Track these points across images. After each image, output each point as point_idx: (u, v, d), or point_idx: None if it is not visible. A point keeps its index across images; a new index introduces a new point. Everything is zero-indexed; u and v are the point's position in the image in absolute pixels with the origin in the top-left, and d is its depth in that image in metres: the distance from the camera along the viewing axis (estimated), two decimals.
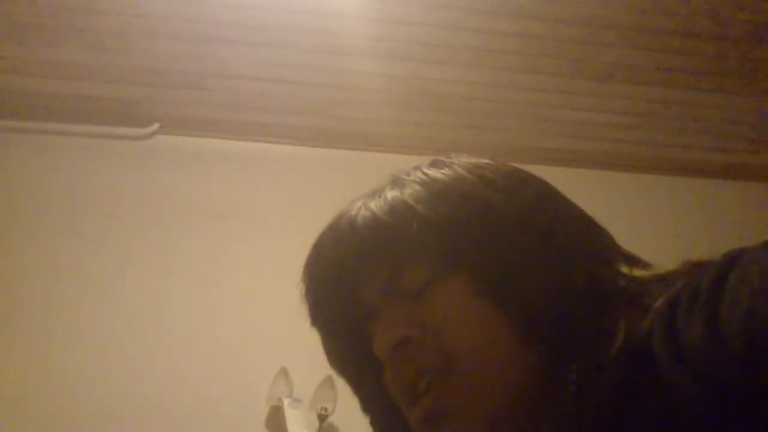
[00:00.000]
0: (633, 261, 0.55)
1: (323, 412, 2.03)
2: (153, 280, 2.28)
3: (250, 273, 2.32)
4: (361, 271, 0.56)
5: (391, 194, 0.56)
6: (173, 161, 2.47)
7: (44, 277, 2.25)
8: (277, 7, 2.02)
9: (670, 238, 2.24)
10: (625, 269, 0.54)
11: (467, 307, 0.51)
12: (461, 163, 0.58)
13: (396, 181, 0.57)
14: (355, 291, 0.57)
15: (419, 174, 0.57)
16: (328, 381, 2.02)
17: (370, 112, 2.44)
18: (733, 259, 0.41)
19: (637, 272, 0.53)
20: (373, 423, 0.62)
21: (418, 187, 0.55)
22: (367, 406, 0.62)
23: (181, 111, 2.44)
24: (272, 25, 2.08)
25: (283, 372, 2.10)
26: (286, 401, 2.04)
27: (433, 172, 0.57)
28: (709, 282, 0.41)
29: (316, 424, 2.03)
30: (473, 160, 0.58)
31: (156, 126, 2.49)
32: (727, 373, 0.38)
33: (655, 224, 2.46)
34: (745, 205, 2.61)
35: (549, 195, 0.57)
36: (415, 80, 2.29)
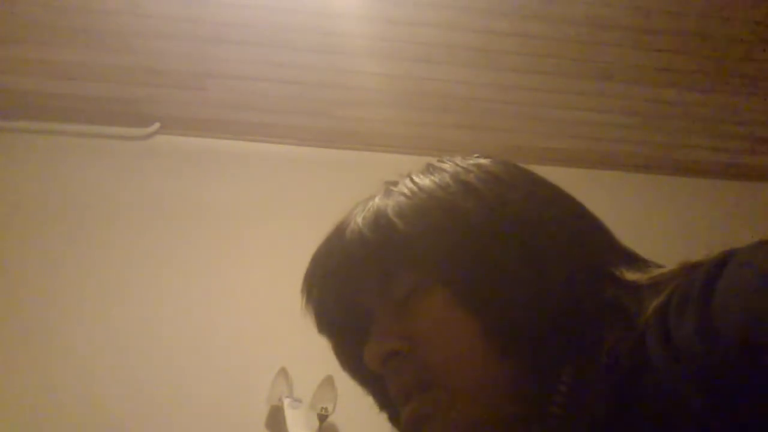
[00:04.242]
0: (632, 261, 0.54)
1: (323, 412, 2.03)
2: (153, 279, 2.28)
3: (250, 273, 2.32)
4: (354, 282, 0.58)
5: (377, 206, 0.57)
6: (173, 161, 2.47)
7: (44, 276, 2.25)
8: (277, 7, 2.02)
9: (670, 238, 2.24)
10: (619, 273, 0.53)
11: (445, 320, 0.53)
12: (450, 168, 0.58)
13: (386, 191, 0.59)
14: (354, 298, 0.60)
15: (408, 183, 0.58)
16: (328, 381, 2.02)
17: (370, 112, 2.44)
18: (724, 260, 0.41)
19: (633, 275, 0.52)
20: (390, 419, 0.63)
21: (402, 199, 0.56)
22: (382, 404, 0.64)
23: (181, 111, 2.44)
24: (272, 25, 2.08)
25: (283, 372, 2.10)
26: (286, 401, 2.04)
27: (421, 180, 0.57)
28: (701, 283, 0.41)
29: (316, 424, 2.03)
30: (464, 163, 0.58)
31: (156, 126, 2.49)
32: (721, 373, 0.37)
33: (655, 224, 2.46)
34: (745, 205, 2.61)
35: (539, 199, 0.56)
36: (415, 80, 2.29)
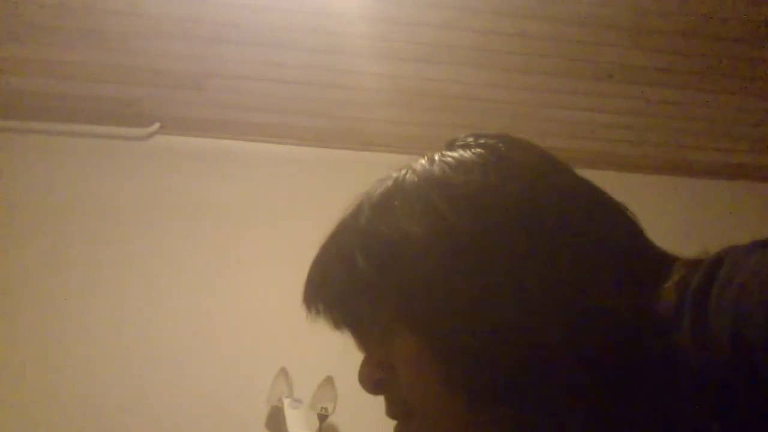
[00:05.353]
0: (626, 280, 0.46)
1: (323, 412, 2.03)
2: (153, 280, 2.28)
3: (250, 273, 2.32)
4: (337, 309, 0.58)
5: (344, 233, 0.55)
6: (173, 161, 2.47)
7: (44, 276, 2.25)
8: (276, 7, 2.02)
9: (669, 238, 2.23)
10: (628, 298, 0.45)
11: (412, 360, 0.50)
12: (414, 185, 0.53)
13: (354, 211, 0.56)
14: (344, 320, 0.59)
15: (365, 211, 0.54)
16: (328, 381, 2.02)
17: (370, 112, 2.44)
18: (719, 260, 0.41)
19: (619, 302, 0.45)
20: None
21: (362, 223, 0.53)
22: None
23: (181, 111, 2.44)
24: (272, 25, 2.08)
25: (283, 372, 2.10)
26: (286, 401, 2.04)
27: (381, 206, 0.53)
28: (696, 284, 0.41)
29: (316, 424, 2.03)
30: (431, 181, 0.52)
31: (156, 126, 2.49)
32: (718, 374, 0.38)
33: (655, 224, 2.45)
34: (745, 205, 2.61)
35: (521, 217, 0.48)
36: (415, 80, 2.29)
